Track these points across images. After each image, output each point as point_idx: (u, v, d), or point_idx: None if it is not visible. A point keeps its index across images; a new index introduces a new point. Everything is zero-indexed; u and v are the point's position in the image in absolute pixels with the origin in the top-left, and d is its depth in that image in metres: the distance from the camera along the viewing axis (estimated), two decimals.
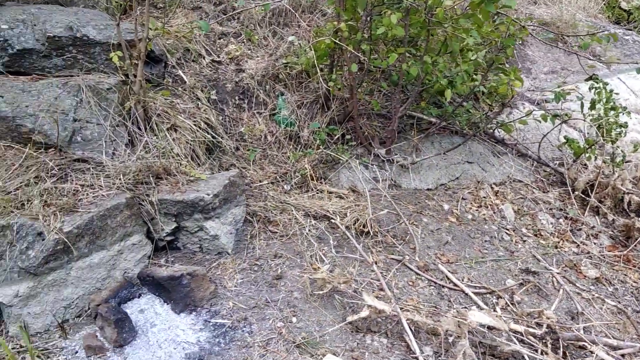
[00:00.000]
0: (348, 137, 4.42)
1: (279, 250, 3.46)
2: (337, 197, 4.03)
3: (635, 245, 4.12)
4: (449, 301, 3.29)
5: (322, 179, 4.20)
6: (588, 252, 4.05)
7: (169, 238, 3.34)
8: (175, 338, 2.75)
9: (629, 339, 3.21)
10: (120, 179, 3.25)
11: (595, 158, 4.71)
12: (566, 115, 4.96)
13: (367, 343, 2.85)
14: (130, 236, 3.13)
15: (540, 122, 4.70)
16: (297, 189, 4.07)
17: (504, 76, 4.32)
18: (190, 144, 3.82)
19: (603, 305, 3.52)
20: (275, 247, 3.48)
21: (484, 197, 4.43)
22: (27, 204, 2.90)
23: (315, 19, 5.19)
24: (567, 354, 2.91)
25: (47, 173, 3.13)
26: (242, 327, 2.84)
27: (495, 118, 4.94)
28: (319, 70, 3.99)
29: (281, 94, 4.61)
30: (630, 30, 7.56)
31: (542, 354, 2.79)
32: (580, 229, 4.31)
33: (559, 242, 4.11)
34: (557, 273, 3.70)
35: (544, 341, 2.88)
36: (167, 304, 2.97)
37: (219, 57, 4.69)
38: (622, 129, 4.57)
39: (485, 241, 3.97)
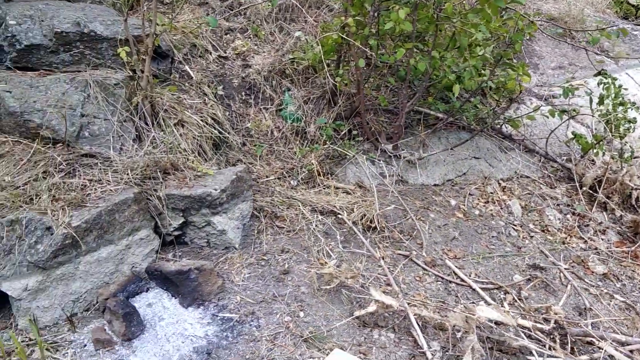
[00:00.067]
0: (355, 132, 4.41)
1: (286, 245, 3.46)
2: (343, 192, 4.03)
3: None
4: (456, 296, 3.28)
5: (329, 175, 4.20)
6: (596, 248, 4.04)
7: (176, 233, 3.34)
8: (183, 332, 2.76)
9: (637, 334, 3.19)
10: (128, 174, 3.25)
11: (604, 154, 4.68)
12: (574, 110, 4.92)
13: (374, 338, 2.85)
14: (138, 231, 3.14)
15: (547, 117, 4.67)
16: (303, 185, 4.07)
17: (512, 72, 4.30)
18: (197, 140, 3.82)
19: (611, 301, 3.51)
20: (282, 242, 3.48)
21: (491, 193, 4.41)
22: (36, 198, 2.92)
23: (322, 14, 5.18)
24: (575, 350, 2.90)
25: (55, 168, 3.14)
26: (250, 321, 2.85)
27: (503, 113, 4.92)
28: (325, 66, 3.99)
29: (288, 89, 4.61)
30: (639, 25, 7.50)
31: (549, 349, 2.78)
32: (587, 225, 4.29)
33: (566, 238, 4.10)
34: (565, 269, 3.68)
35: (551, 337, 2.87)
36: (175, 298, 2.98)
37: (225, 52, 4.70)
38: (631, 124, 4.54)
39: (493, 237, 3.96)
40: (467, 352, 2.58)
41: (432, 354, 2.75)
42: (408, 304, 2.96)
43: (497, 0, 3.55)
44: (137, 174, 3.28)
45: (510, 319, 2.82)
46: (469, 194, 4.35)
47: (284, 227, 3.62)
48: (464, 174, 4.57)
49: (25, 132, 3.23)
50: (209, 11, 4.87)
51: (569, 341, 2.87)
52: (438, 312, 2.99)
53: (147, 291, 3.04)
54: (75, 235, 2.79)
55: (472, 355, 2.57)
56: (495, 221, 4.12)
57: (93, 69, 3.70)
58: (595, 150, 4.69)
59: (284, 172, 4.13)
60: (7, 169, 3.04)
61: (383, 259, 3.43)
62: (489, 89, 5.13)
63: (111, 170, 3.26)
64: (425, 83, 4.40)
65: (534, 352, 2.75)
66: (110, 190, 3.14)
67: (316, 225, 3.65)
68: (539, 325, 2.94)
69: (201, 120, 3.92)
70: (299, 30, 4.94)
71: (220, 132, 4.06)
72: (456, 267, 3.53)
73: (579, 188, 4.56)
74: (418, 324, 2.86)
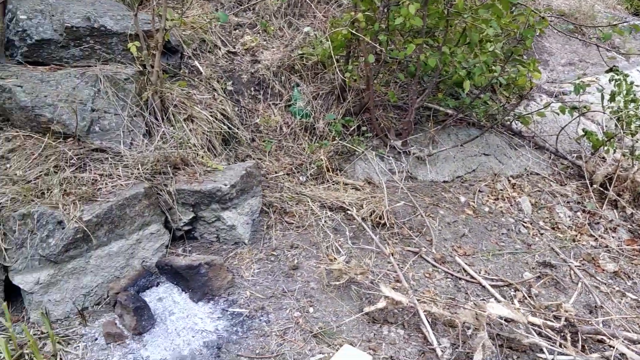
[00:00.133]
0: (364, 128, 4.40)
1: (295, 241, 3.46)
2: (352, 188, 4.02)
3: None
4: (466, 293, 3.27)
5: (338, 171, 4.19)
6: (606, 246, 4.01)
7: (186, 228, 3.35)
8: (193, 326, 2.76)
9: None
10: (138, 169, 3.26)
11: (614, 151, 4.65)
12: (585, 107, 4.89)
13: (384, 334, 2.84)
14: (149, 225, 3.15)
15: (558, 114, 4.64)
16: (312, 180, 4.07)
17: (523, 68, 4.27)
18: (207, 135, 3.82)
19: (622, 299, 3.48)
20: (292, 238, 3.48)
21: (501, 190, 4.39)
22: (47, 192, 2.93)
23: (331, 10, 5.16)
24: (586, 348, 2.88)
25: (66, 162, 3.15)
26: (260, 316, 2.85)
27: (513, 110, 4.89)
28: (335, 61, 3.97)
29: (297, 85, 4.60)
30: None
31: (560, 346, 2.76)
32: (598, 223, 4.26)
33: (576, 236, 4.07)
34: (575, 266, 3.66)
35: (562, 334, 2.86)
36: (185, 292, 2.98)
37: (234, 48, 4.69)
38: None
39: (502, 234, 3.94)
40: (478, 349, 2.57)
41: (442, 351, 2.75)
42: (418, 300, 2.96)
43: None
44: (147, 169, 3.29)
45: (520, 316, 2.81)
46: (479, 191, 4.34)
47: (293, 223, 3.62)
48: (474, 170, 4.55)
49: (37, 127, 3.24)
50: (218, 6, 4.87)
51: (580, 339, 2.86)
52: (448, 309, 2.98)
53: (157, 285, 3.05)
54: (86, 229, 2.80)
55: (483, 352, 2.56)
56: (505, 218, 4.11)
57: (103, 64, 3.70)
58: (606, 148, 4.66)
59: (293, 168, 4.13)
60: (18, 163, 3.06)
61: (392, 255, 3.42)
62: (499, 85, 5.10)
63: (122, 165, 3.27)
64: (435, 79, 4.38)
65: (544, 350, 2.73)
66: (121, 185, 3.15)
67: (325, 221, 3.64)
68: (549, 323, 2.93)
69: (210, 115, 3.92)
70: (308, 26, 4.93)
71: (229, 128, 4.06)
72: (466, 264, 3.51)
73: (589, 185, 4.53)
74: (428, 321, 2.86)
